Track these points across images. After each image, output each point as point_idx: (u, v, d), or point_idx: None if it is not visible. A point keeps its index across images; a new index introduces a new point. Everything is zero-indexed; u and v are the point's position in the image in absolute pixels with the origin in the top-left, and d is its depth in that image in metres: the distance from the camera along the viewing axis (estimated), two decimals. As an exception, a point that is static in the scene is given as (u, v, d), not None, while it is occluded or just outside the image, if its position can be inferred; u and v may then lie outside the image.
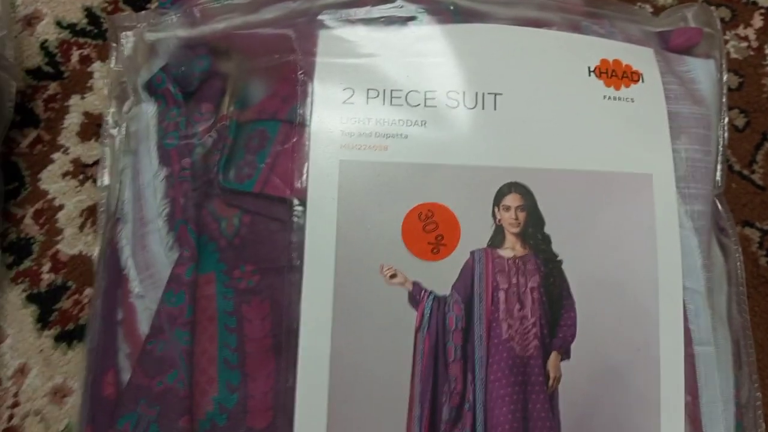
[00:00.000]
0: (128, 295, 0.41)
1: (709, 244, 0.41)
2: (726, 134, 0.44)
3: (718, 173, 0.43)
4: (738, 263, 0.42)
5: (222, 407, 0.37)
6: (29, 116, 0.50)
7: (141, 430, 0.38)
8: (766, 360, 0.47)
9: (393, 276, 0.38)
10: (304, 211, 0.39)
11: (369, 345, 0.37)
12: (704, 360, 0.39)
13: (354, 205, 0.39)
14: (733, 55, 0.52)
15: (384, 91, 0.40)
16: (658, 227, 0.39)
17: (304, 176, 0.39)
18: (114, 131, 0.45)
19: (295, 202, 0.39)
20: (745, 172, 0.50)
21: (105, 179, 0.45)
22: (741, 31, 0.52)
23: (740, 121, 0.51)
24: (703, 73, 0.44)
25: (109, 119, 0.46)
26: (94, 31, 0.52)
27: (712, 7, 0.47)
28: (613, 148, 0.40)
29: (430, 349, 0.38)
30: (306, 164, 0.39)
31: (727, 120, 0.44)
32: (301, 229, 0.38)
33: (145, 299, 0.40)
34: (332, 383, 0.37)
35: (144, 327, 0.40)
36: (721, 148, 0.43)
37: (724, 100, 0.44)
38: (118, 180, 0.44)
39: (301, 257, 0.38)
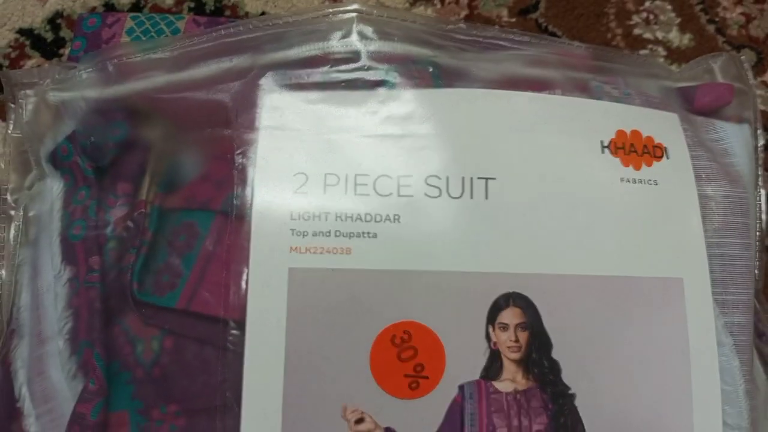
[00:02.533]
0: (23, 434, 0.32)
1: (752, 363, 0.33)
2: (765, 216, 0.36)
3: (757, 270, 0.35)
4: None
5: None
6: None
7: None
8: None
9: (360, 421, 0.29)
10: (242, 336, 0.30)
11: None
12: None
13: (308, 327, 0.30)
14: (760, 107, 0.44)
15: (346, 176, 0.32)
16: (692, 347, 0.31)
17: (243, 289, 0.30)
18: (13, 212, 0.36)
19: (231, 323, 0.30)
20: None
21: (2, 274, 0.36)
22: (768, 77, 0.45)
23: None
24: (737, 141, 0.36)
25: (9, 197, 0.37)
26: (-6, 84, 0.43)
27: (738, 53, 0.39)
28: (634, 246, 0.32)
29: None
30: (245, 273, 0.30)
31: (764, 197, 0.36)
32: (239, 358, 0.30)
33: (43, 441, 0.31)
34: None
35: (41, 483, 0.31)
36: (758, 233, 0.35)
37: (760, 171, 0.36)
38: (14, 278, 0.35)
39: (238, 396, 0.29)
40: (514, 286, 0.31)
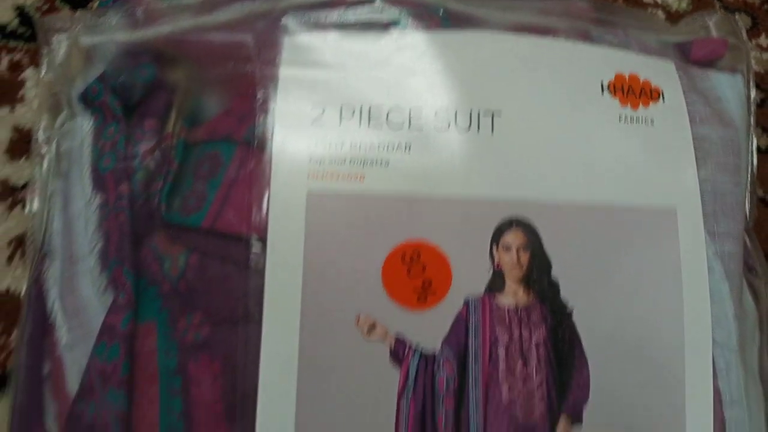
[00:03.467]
0: (56, 345, 0.34)
1: (741, 290, 0.35)
2: (755, 160, 0.38)
3: (747, 205, 0.37)
4: None
5: (163, 489, 0.31)
6: (-50, 131, 0.43)
7: None
8: None
9: (371, 329, 0.32)
10: (263, 252, 0.32)
11: (342, 414, 0.31)
12: (735, 425, 0.33)
13: (324, 245, 0.32)
14: (754, 68, 0.46)
15: (361, 108, 0.34)
16: (684, 271, 0.33)
17: (264, 210, 0.33)
18: (45, 149, 0.39)
19: (253, 240, 0.33)
20: None
21: (34, 205, 0.38)
22: (763, 40, 0.47)
23: (763, 142, 0.46)
24: (730, 89, 0.38)
25: (40, 135, 0.39)
26: (27, 34, 0.46)
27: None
28: (631, 178, 0.34)
29: (416, 417, 0.31)
30: (266, 195, 0.33)
31: (756, 143, 0.38)
32: (260, 273, 0.32)
33: (74, 351, 0.34)
34: (297, 462, 0.30)
35: (73, 384, 0.33)
36: (749, 176, 0.37)
37: (752, 119, 0.38)
38: (46, 207, 0.37)
39: (259, 307, 0.32)
40: (517, 212, 0.33)
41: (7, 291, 0.41)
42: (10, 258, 0.42)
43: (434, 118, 0.34)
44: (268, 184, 0.33)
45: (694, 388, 0.32)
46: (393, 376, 0.31)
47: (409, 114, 0.34)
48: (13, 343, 0.40)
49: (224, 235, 0.33)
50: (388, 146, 0.33)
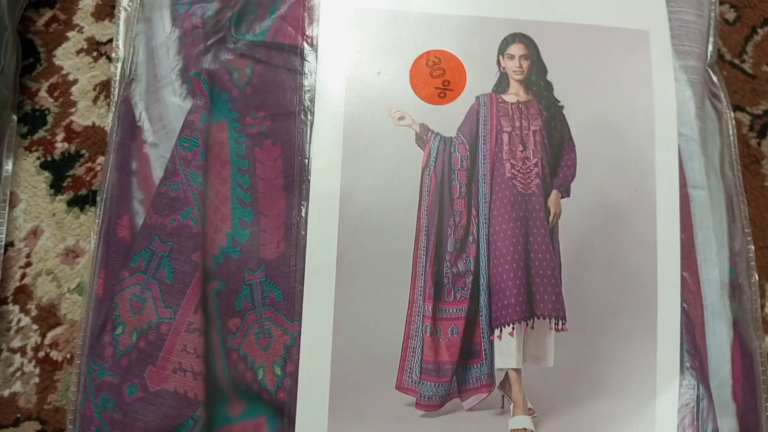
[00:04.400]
0: (142, 145, 0.42)
1: (703, 97, 0.43)
2: (717, 9, 0.45)
3: (710, 44, 0.44)
4: (730, 125, 0.44)
5: (235, 241, 0.39)
6: (44, -3, 0.51)
7: (154, 266, 0.39)
8: (759, 234, 0.48)
9: (401, 118, 0.39)
10: (315, 57, 0.40)
11: (377, 181, 0.39)
12: (698, 202, 0.41)
13: (364, 51, 0.40)
14: None
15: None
16: (654, 78, 0.41)
17: (316, 23, 0.41)
18: (127, 4, 0.47)
19: (307, 48, 0.40)
20: (736, 61, 0.52)
21: (120, 49, 0.46)
22: None
23: (731, 15, 0.53)
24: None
25: (124, -7, 0.47)
26: None
27: None
28: (611, 5, 0.42)
29: (435, 186, 0.39)
30: (317, 12, 0.41)
31: (718, -3, 0.46)
32: (312, 74, 0.40)
33: (158, 148, 0.41)
34: (342, 216, 0.38)
35: (158, 174, 0.41)
36: (713, 22, 0.45)
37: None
38: (131, 47, 0.45)
39: (312, 100, 0.40)
40: (519, 28, 0.41)
41: (93, 125, 0.49)
42: (95, 99, 0.50)
43: (452, -44, 0.42)
44: (320, 3, 0.41)
45: (662, 168, 0.40)
46: (417, 155, 0.39)
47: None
48: (98, 167, 0.48)
49: (283, 46, 0.41)
50: (415, -23, 0.41)
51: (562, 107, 0.40)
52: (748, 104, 0.51)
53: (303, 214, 0.39)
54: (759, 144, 0.51)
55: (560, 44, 0.41)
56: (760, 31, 0.53)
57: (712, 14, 0.45)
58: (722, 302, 0.40)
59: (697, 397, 0.38)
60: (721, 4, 0.53)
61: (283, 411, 0.37)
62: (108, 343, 0.38)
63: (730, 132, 0.44)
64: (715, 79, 0.45)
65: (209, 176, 0.40)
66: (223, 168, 0.40)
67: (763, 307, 0.47)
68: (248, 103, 0.41)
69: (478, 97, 0.40)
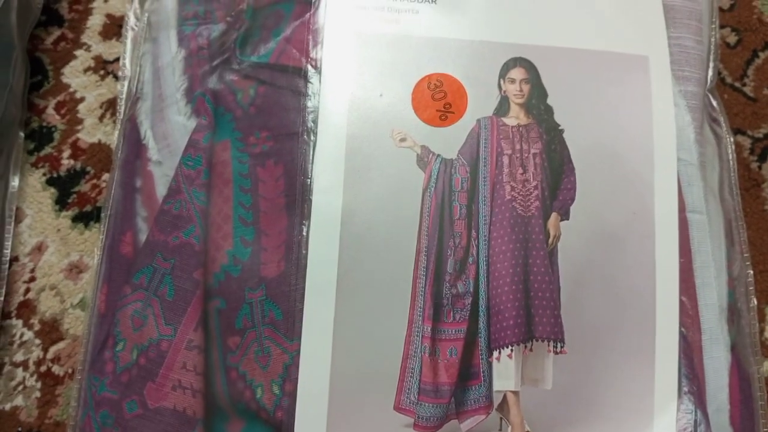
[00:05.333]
0: (147, 163, 0.43)
1: (702, 122, 0.43)
2: (717, 34, 0.46)
3: (710, 70, 0.45)
4: (729, 150, 0.44)
5: (236, 260, 0.39)
6: (54, 16, 0.52)
7: (156, 283, 0.39)
8: (759, 257, 0.49)
9: (403, 140, 0.40)
10: (319, 80, 0.41)
11: (378, 202, 0.39)
12: (697, 226, 0.41)
13: (367, 73, 0.41)
14: None
15: (397, -31, 0.42)
16: (653, 103, 0.41)
17: (320, 46, 0.41)
18: (134, 24, 0.47)
19: (311, 70, 0.41)
20: (737, 84, 0.53)
21: (126, 68, 0.46)
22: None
23: (732, 39, 0.54)
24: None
25: (131, 15, 0.48)
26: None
27: None
28: (612, 30, 0.42)
29: (436, 208, 0.39)
30: (321, 35, 0.41)
31: (718, 21, 0.46)
32: (316, 95, 0.41)
33: (162, 166, 0.42)
34: (343, 236, 0.39)
35: (161, 191, 0.41)
36: (713, 47, 0.45)
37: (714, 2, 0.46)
38: (137, 66, 0.46)
39: (315, 121, 0.40)
40: (520, 53, 0.41)
41: (99, 142, 0.50)
42: (102, 117, 0.50)
43: (455, -20, 0.42)
44: (323, 27, 0.41)
45: (661, 193, 0.40)
46: (418, 177, 0.40)
47: (435, -23, 0.42)
48: (103, 184, 0.49)
49: (287, 68, 0.41)
50: None
51: (562, 131, 0.41)
52: (749, 127, 0.52)
53: (304, 233, 0.39)
54: (759, 168, 0.51)
55: (561, 69, 0.41)
56: (761, 54, 0.53)
57: (712, 39, 0.46)
58: (720, 326, 0.40)
59: (695, 422, 0.38)
60: (722, 27, 0.54)
61: (281, 430, 0.37)
62: (109, 359, 0.38)
63: (730, 156, 0.44)
64: (714, 103, 0.45)
65: (212, 195, 0.41)
66: (225, 187, 0.41)
67: (762, 331, 0.47)
68: (251, 123, 0.41)
69: (479, 120, 0.40)
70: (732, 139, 0.45)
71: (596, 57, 0.42)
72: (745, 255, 0.43)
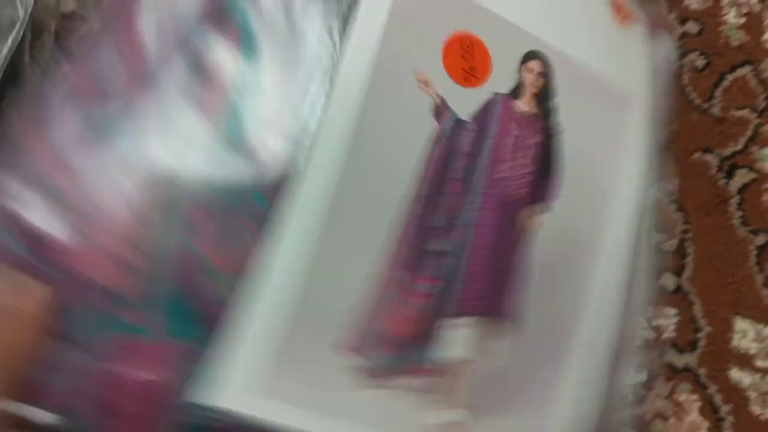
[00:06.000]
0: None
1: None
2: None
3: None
4: None
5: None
6: None
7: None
8: (727, 270, 0.54)
9: (425, 83, 0.39)
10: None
11: (392, 134, 0.38)
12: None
13: (403, 27, 0.39)
14: (693, 6, 0.60)
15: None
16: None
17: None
18: None
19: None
20: (705, 106, 0.59)
21: None
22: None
23: (701, 62, 0.60)
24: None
25: None
26: None
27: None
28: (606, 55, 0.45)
29: (440, 162, 0.39)
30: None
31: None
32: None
33: None
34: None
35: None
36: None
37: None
38: None
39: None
40: (539, 47, 0.43)
41: None
42: None
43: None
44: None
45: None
46: (431, 125, 0.39)
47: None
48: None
49: None
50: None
51: (561, 132, 0.42)
52: (717, 146, 0.58)
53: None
54: (727, 184, 0.56)
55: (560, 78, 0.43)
56: (728, 76, 0.60)
57: None
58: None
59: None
60: (691, 51, 0.60)
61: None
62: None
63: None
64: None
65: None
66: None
67: (729, 340, 0.52)
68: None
69: (496, 94, 0.41)
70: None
71: (592, 80, 0.44)
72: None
